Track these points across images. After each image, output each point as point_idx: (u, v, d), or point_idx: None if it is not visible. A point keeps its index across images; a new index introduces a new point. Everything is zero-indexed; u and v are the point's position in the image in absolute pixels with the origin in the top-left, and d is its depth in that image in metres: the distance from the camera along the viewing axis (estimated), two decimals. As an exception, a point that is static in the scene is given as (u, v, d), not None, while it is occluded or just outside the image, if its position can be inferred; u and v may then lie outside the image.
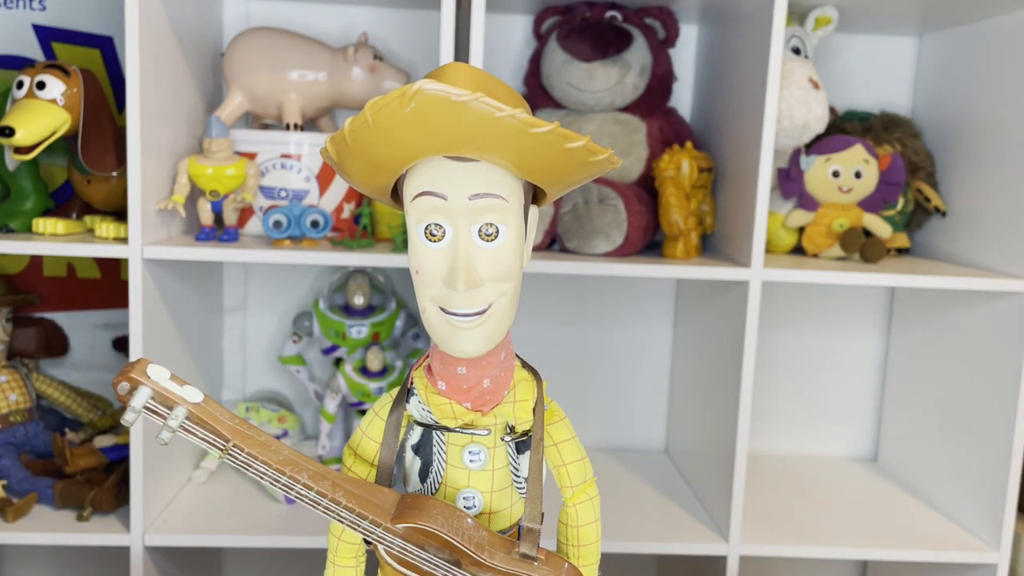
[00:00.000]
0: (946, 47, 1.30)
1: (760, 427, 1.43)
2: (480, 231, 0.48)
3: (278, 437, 1.28)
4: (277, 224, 1.06)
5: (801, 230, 1.22)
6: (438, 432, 0.53)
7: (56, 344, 1.28)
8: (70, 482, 1.08)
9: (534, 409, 0.54)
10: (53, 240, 1.01)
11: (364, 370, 1.20)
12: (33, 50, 1.24)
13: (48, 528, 1.03)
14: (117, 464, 1.14)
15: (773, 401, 1.43)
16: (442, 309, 0.49)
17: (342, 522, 0.50)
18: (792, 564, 1.46)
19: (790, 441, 1.45)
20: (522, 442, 0.55)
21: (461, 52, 1.14)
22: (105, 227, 1.03)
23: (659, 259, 1.10)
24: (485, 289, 0.49)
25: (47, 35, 1.24)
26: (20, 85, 1.03)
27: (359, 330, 1.22)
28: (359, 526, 0.49)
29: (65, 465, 1.10)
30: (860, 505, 1.25)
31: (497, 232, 0.48)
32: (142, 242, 0.98)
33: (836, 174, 1.18)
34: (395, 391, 0.57)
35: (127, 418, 0.49)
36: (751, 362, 1.05)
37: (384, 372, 1.21)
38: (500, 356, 0.52)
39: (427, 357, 0.55)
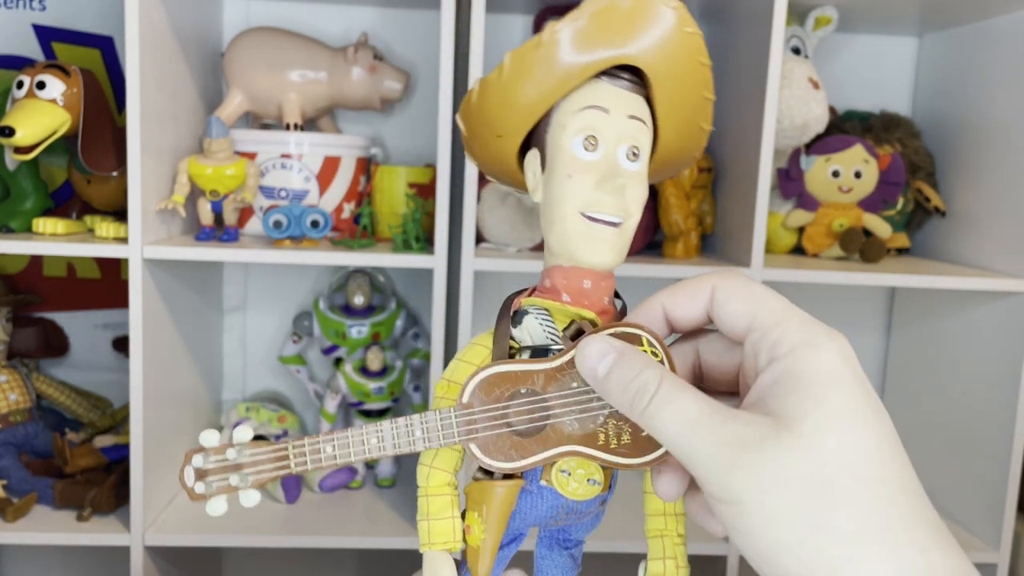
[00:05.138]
0: (946, 47, 1.30)
1: (760, 427, 1.43)
2: (628, 152, 0.49)
3: (278, 437, 1.28)
4: (277, 224, 1.06)
5: (801, 230, 1.22)
6: (558, 352, 0.51)
7: (56, 344, 1.28)
8: (70, 482, 1.08)
9: None
10: (53, 240, 1.01)
11: (364, 370, 1.20)
12: (33, 50, 1.24)
13: (48, 528, 1.03)
14: (117, 464, 1.14)
15: (773, 401, 1.43)
16: (585, 216, 0.50)
17: (419, 446, 0.46)
18: (792, 564, 1.46)
19: (790, 441, 1.44)
20: None
21: (461, 52, 1.14)
22: (105, 227, 1.03)
23: (659, 259, 1.10)
24: (628, 201, 0.49)
25: (47, 35, 1.24)
26: (20, 85, 1.02)
27: (359, 330, 1.22)
28: (437, 428, 0.46)
29: (65, 465, 1.10)
30: (860, 505, 1.24)
31: (639, 156, 0.50)
32: (142, 242, 0.98)
33: (836, 174, 1.18)
34: (485, 334, 0.53)
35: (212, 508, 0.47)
36: (751, 362, 1.05)
37: (384, 372, 1.21)
38: (614, 285, 0.53)
39: (523, 292, 0.53)
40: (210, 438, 0.46)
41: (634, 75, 0.49)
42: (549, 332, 0.49)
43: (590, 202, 0.49)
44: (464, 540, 0.47)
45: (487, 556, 0.47)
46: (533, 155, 0.51)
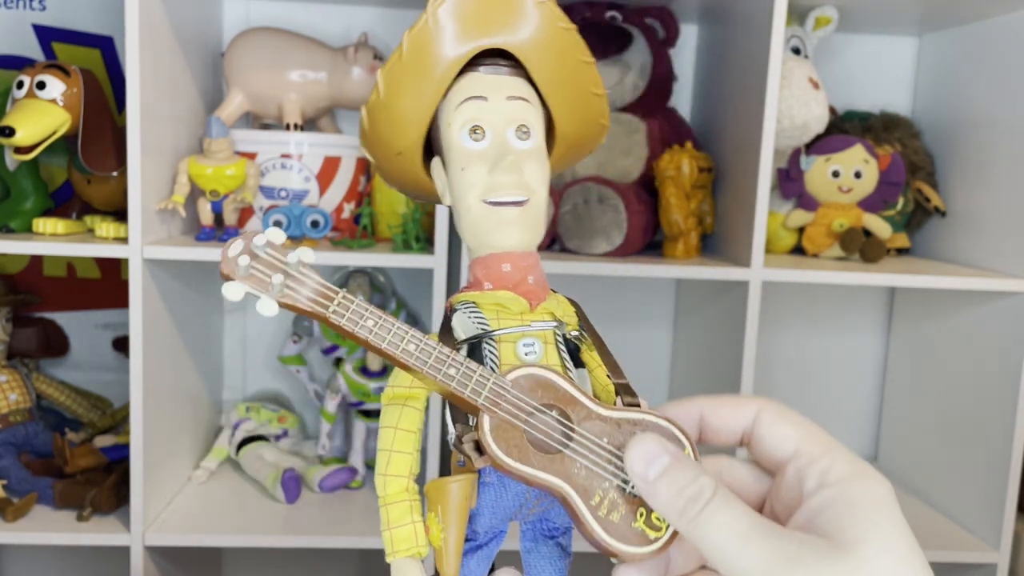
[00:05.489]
0: (946, 47, 1.30)
1: (760, 427, 1.43)
2: (517, 132, 0.51)
3: (278, 438, 1.28)
4: (277, 224, 1.06)
5: (801, 230, 1.22)
6: (488, 339, 0.51)
7: (56, 344, 1.28)
8: (70, 482, 1.08)
9: (574, 307, 0.54)
10: (53, 240, 1.01)
11: (364, 370, 1.20)
12: (33, 50, 1.24)
13: (48, 528, 1.03)
14: (117, 464, 1.14)
15: (773, 401, 1.43)
16: (487, 203, 0.50)
17: (446, 381, 0.47)
18: (792, 564, 1.46)
19: (790, 441, 1.44)
20: (572, 345, 0.54)
21: (461, 52, 1.14)
22: (105, 227, 1.03)
23: (659, 259, 1.10)
24: (526, 177, 0.50)
25: (47, 35, 1.24)
26: (20, 85, 1.02)
27: (359, 330, 1.22)
28: (471, 378, 0.46)
29: (65, 465, 1.10)
30: (860, 505, 1.24)
31: (530, 134, 0.51)
32: (142, 242, 0.98)
33: (836, 174, 1.18)
34: (432, 334, 0.54)
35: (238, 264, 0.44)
36: (751, 362, 1.05)
37: (384, 372, 1.21)
38: (537, 263, 0.53)
39: (458, 292, 0.54)
40: (278, 234, 0.46)
41: (507, 59, 0.50)
42: (477, 322, 0.50)
43: (488, 188, 0.50)
44: (429, 542, 0.47)
45: (451, 555, 0.46)
46: (436, 163, 0.52)
